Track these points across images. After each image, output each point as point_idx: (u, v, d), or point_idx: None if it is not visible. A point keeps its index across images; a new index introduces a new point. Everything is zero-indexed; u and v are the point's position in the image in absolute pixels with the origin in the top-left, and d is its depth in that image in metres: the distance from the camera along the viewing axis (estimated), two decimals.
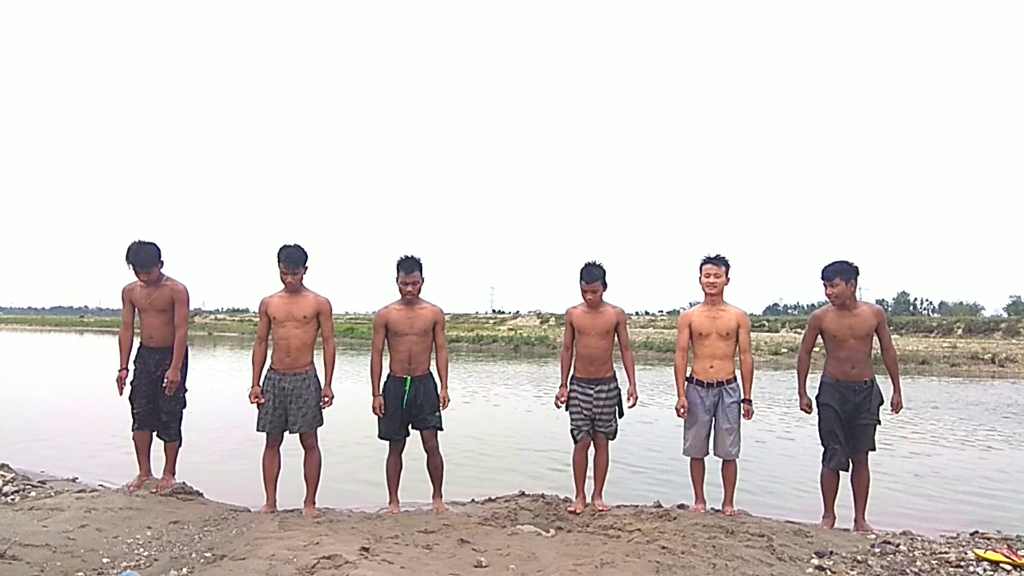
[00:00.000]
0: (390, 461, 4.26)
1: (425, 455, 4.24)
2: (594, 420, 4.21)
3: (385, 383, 4.19)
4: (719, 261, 4.16)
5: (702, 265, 4.20)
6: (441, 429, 4.22)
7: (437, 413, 4.17)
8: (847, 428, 3.99)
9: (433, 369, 4.29)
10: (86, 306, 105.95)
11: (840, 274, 3.94)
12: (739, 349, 4.18)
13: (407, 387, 4.11)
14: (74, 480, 4.94)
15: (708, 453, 4.20)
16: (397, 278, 4.17)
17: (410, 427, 4.21)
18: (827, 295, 4.03)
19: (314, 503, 4.16)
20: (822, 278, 4.02)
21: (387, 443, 4.24)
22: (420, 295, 4.18)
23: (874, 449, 4.04)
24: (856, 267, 3.99)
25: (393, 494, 4.25)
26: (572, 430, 4.25)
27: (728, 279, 4.19)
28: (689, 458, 4.24)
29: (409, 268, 4.12)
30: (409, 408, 4.13)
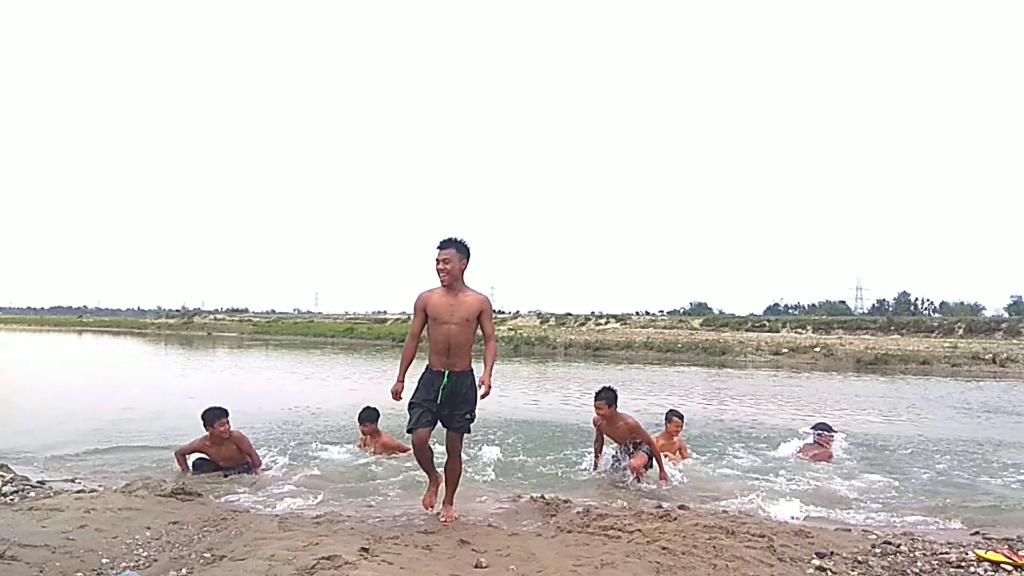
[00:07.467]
0: (419, 454, 3.84)
1: (445, 456, 3.92)
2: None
3: (421, 376, 3.82)
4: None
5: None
6: (469, 432, 3.89)
7: (468, 415, 3.81)
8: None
9: (475, 366, 3.89)
10: (85, 306, 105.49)
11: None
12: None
13: (445, 381, 3.73)
14: (73, 480, 4.94)
15: None
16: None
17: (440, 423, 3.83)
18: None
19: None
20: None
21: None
22: (464, 282, 3.80)
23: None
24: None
25: (431, 473, 3.95)
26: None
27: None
28: None
29: (443, 245, 3.77)
30: (443, 405, 3.75)
